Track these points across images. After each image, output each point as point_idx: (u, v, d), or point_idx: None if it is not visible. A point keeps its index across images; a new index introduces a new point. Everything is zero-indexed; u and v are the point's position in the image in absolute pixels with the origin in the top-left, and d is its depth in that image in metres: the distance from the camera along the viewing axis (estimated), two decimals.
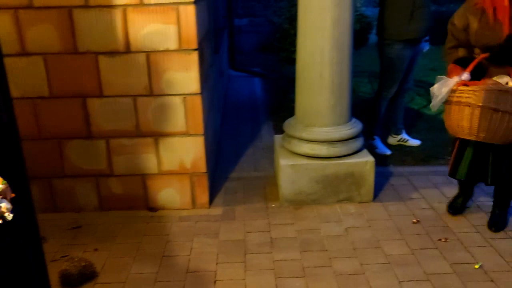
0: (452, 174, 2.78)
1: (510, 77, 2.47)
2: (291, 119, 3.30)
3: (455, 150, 2.75)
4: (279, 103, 5.45)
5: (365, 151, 3.18)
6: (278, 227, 2.87)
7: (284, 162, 3.09)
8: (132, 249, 2.66)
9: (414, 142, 4.13)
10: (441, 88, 2.50)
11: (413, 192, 3.27)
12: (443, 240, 2.70)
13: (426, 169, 3.64)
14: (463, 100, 2.44)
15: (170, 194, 3.05)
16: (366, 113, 4.03)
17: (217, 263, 2.52)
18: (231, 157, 3.97)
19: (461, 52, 2.67)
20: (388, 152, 3.96)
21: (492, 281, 2.34)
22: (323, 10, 2.86)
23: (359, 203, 3.12)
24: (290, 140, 3.20)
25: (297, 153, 3.13)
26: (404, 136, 4.16)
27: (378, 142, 4.03)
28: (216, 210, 3.08)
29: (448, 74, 2.60)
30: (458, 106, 2.47)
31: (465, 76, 2.48)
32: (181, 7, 2.69)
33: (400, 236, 2.75)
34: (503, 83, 2.44)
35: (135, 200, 3.05)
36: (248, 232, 2.82)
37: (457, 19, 2.66)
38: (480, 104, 2.37)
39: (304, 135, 3.09)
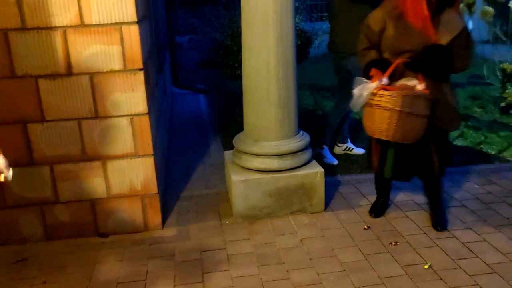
0: (380, 172, 2.94)
1: (418, 80, 2.62)
2: (241, 135, 3.32)
3: (374, 149, 2.91)
4: (226, 119, 5.47)
5: (314, 162, 3.26)
6: (234, 244, 2.86)
7: (236, 178, 3.10)
8: (83, 279, 2.55)
9: (359, 151, 4.27)
10: (362, 90, 2.63)
11: (361, 199, 3.37)
12: (393, 243, 2.80)
13: (372, 176, 3.76)
14: (382, 104, 2.57)
15: (121, 218, 2.97)
16: (312, 124, 4.13)
17: (174, 286, 2.47)
18: (182, 176, 3.92)
19: (374, 54, 2.77)
20: (336, 162, 4.07)
21: (441, 279, 2.45)
22: (267, 26, 2.92)
23: (312, 213, 3.18)
24: (240, 155, 3.21)
25: (248, 168, 3.15)
26: (349, 145, 4.30)
27: (327, 152, 4.13)
28: (170, 231, 3.03)
29: (371, 76, 2.70)
30: (378, 109, 2.60)
31: (385, 80, 2.60)
32: (124, 27, 2.66)
33: (353, 243, 2.83)
34: (411, 85, 2.61)
35: (84, 227, 2.94)
36: (204, 251, 2.79)
37: (373, 22, 2.73)
38: (398, 109, 2.52)
39: (254, 149, 3.12)
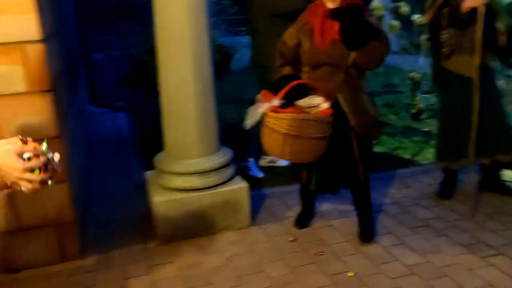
0: (307, 185, 2.98)
1: (322, 98, 2.63)
2: (161, 154, 3.23)
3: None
4: (148, 137, 5.31)
5: (238, 178, 3.23)
6: (159, 268, 2.75)
7: (158, 199, 3.00)
8: None
9: (283, 162, 4.32)
10: (255, 110, 2.63)
11: (287, 211, 3.40)
12: (319, 254, 2.84)
13: (297, 187, 3.81)
14: (271, 126, 2.58)
15: (34, 250, 2.75)
16: (237, 137, 4.12)
17: None
18: (102, 200, 3.73)
19: (287, 70, 2.84)
20: (261, 175, 4.08)
21: (366, 285, 2.51)
22: (183, 42, 2.87)
23: (239, 229, 3.15)
24: (162, 175, 3.12)
25: (170, 187, 3.06)
26: (273, 158, 4.33)
27: (252, 165, 4.13)
28: (90, 260, 2.86)
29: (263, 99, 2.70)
30: (268, 130, 2.61)
31: (276, 102, 2.58)
32: (28, 46, 2.49)
33: (280, 257, 2.83)
34: (313, 104, 2.64)
35: None
36: (127, 279, 2.66)
37: (289, 38, 2.82)
38: (284, 131, 2.52)
39: (176, 168, 3.04)
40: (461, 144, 3.26)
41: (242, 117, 5.56)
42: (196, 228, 3.05)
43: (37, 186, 1.23)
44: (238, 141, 4.01)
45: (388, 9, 6.06)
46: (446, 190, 3.53)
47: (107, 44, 8.96)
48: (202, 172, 3.03)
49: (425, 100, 5.67)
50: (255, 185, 3.77)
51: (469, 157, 3.24)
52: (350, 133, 2.78)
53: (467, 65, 3.14)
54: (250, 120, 2.66)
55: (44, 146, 1.28)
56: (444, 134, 3.46)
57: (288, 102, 2.64)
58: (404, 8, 5.83)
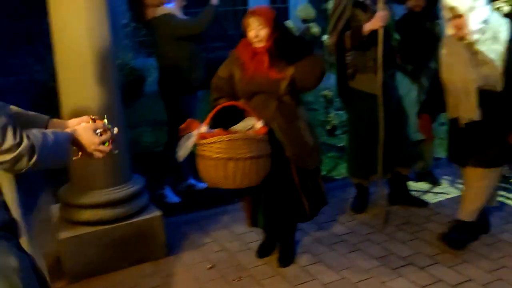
0: (253, 224, 2.92)
1: (256, 119, 2.60)
2: (68, 185, 3.04)
3: (246, 200, 2.89)
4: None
5: (152, 206, 3.11)
6: None
7: (65, 235, 2.80)
8: None
9: (201, 186, 4.25)
10: (186, 141, 2.56)
11: (205, 237, 3.32)
12: (237, 279, 2.79)
13: (216, 211, 3.76)
14: (201, 153, 2.51)
15: None
16: (153, 162, 4.00)
17: None
18: None
19: (223, 101, 2.80)
20: (178, 200, 3.97)
21: None
22: (85, 67, 2.73)
23: (154, 260, 3.02)
24: (68, 208, 2.93)
25: (79, 221, 2.88)
26: (191, 181, 4.25)
27: (168, 191, 4.01)
28: None
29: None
30: (200, 158, 2.53)
31: (203, 128, 2.54)
32: None
33: (198, 286, 2.74)
34: (248, 126, 2.60)
35: None
36: None
37: (222, 71, 2.83)
38: (214, 156, 2.45)
39: (84, 200, 2.87)
40: (370, 160, 3.39)
41: (158, 141, 5.41)
42: (109, 262, 2.89)
43: (106, 155, 1.61)
44: (154, 166, 3.89)
45: (300, 30, 6.27)
46: (359, 204, 3.65)
47: (13, 69, 8.44)
48: (113, 203, 2.89)
49: (338, 116, 5.89)
50: (172, 211, 3.66)
51: (378, 173, 3.38)
52: (289, 163, 2.74)
53: (371, 83, 3.29)
54: (182, 152, 2.55)
55: (106, 121, 1.63)
56: (354, 151, 3.59)
57: (224, 128, 2.59)
58: (315, 29, 6.06)
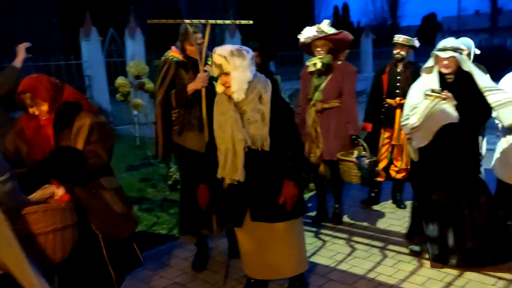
0: None
1: (55, 186, 2.39)
2: None
3: None
4: None
5: None
6: None
7: None
8: None
9: None
10: None
11: None
12: None
13: None
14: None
15: None
16: None
17: None
18: None
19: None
20: None
21: None
22: None
23: None
24: None
25: None
26: None
27: None
28: None
29: None
30: None
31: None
32: None
33: None
34: (47, 194, 2.36)
35: None
36: None
37: (7, 143, 2.59)
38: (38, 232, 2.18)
39: None
40: (201, 215, 3.38)
41: None
42: None
43: None
44: None
45: (134, 86, 6.19)
46: (200, 261, 3.60)
47: None
48: None
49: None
50: None
51: (213, 228, 3.38)
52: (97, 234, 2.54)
53: (196, 140, 3.34)
54: None
55: None
56: (185, 207, 3.54)
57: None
58: (149, 85, 6.03)
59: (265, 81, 2.77)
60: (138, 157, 7.19)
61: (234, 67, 2.63)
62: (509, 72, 3.89)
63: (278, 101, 2.78)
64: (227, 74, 2.65)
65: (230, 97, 2.71)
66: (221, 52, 2.66)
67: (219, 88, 2.74)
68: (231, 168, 2.72)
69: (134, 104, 5.74)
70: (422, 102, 3.34)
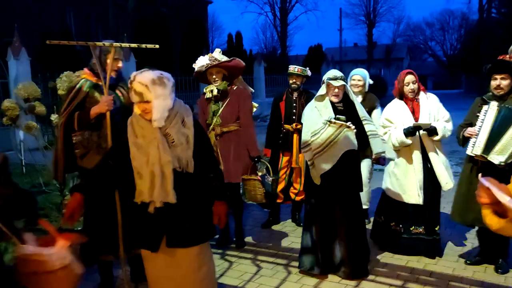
0: None
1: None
2: None
3: None
4: None
5: None
6: None
7: None
8: None
9: None
10: None
11: None
12: None
13: None
14: None
15: None
16: None
17: None
18: None
19: None
20: None
21: None
22: None
23: None
24: None
25: None
26: None
27: None
28: None
29: None
30: None
31: None
32: None
33: None
34: None
35: None
36: None
37: None
38: None
39: None
40: (105, 239, 3.28)
41: None
42: None
43: None
44: None
45: (23, 109, 5.80)
46: None
47: None
48: None
49: None
50: None
51: (119, 253, 3.27)
52: None
53: None
54: None
55: None
56: (88, 232, 3.39)
57: None
58: (40, 108, 5.70)
59: (184, 106, 2.77)
60: (26, 185, 6.67)
61: (156, 96, 2.53)
62: (385, 99, 4.38)
63: (198, 125, 2.83)
64: (148, 102, 2.55)
65: (150, 120, 2.61)
66: (142, 80, 2.53)
67: (137, 110, 2.63)
68: (160, 191, 2.64)
69: (27, 126, 5.36)
70: (326, 129, 3.62)
